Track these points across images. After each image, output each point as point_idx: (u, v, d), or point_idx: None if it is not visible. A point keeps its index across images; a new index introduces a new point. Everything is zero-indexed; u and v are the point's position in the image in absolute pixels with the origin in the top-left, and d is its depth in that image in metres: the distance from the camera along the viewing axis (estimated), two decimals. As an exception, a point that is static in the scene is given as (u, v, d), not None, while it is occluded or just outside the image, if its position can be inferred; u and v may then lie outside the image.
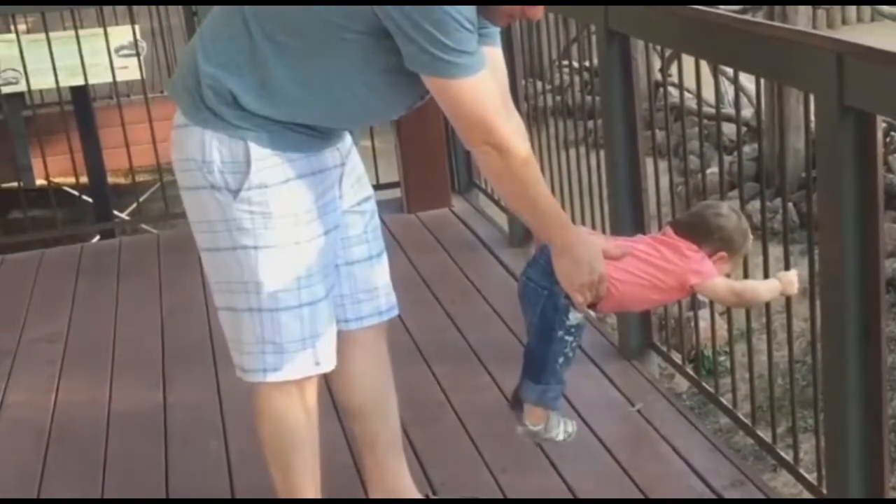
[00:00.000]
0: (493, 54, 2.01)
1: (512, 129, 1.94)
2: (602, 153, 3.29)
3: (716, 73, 2.77)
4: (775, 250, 2.90)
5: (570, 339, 2.12)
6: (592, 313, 2.15)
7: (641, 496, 2.52)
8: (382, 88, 1.97)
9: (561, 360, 2.14)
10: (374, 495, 2.41)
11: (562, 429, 2.24)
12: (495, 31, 2.04)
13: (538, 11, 1.97)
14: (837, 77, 1.98)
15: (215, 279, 2.10)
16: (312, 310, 2.06)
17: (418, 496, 2.43)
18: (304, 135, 2.01)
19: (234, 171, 1.97)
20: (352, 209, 2.19)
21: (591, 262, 2.01)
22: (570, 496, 2.54)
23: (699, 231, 2.13)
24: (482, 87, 1.90)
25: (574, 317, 2.10)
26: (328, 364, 2.12)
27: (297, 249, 2.03)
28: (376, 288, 2.25)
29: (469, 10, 1.85)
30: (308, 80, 1.94)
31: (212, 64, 1.95)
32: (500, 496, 2.54)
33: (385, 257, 2.28)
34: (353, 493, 2.56)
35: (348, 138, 2.17)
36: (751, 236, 2.18)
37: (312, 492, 2.21)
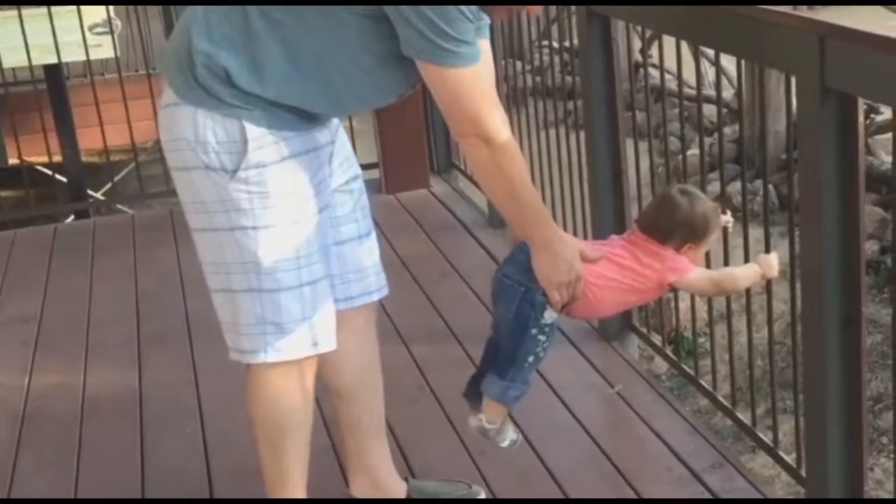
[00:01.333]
0: (483, 46, 1.99)
1: (501, 122, 1.93)
2: (582, 134, 3.28)
3: (697, 55, 2.76)
4: (755, 232, 2.89)
5: (542, 338, 2.12)
6: (564, 315, 2.14)
7: (620, 478, 2.51)
8: (375, 74, 1.95)
9: (531, 359, 2.13)
10: (352, 478, 2.39)
11: (510, 435, 2.23)
12: (486, 24, 2.02)
13: (537, 7, 1.96)
14: (819, 59, 1.97)
15: (210, 260, 2.05)
16: (313, 289, 2.04)
17: (395, 477, 2.42)
18: (295, 114, 1.98)
19: (230, 151, 1.94)
20: (340, 188, 2.17)
21: (570, 260, 2.02)
22: (548, 478, 2.53)
23: (660, 231, 2.11)
24: (477, 78, 1.88)
25: (549, 315, 2.10)
26: (329, 344, 2.09)
27: (296, 228, 2.00)
28: (366, 268, 2.24)
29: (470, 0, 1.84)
30: (300, 60, 1.91)
31: (206, 41, 1.92)
32: (479, 479, 2.53)
33: (374, 237, 2.26)
34: (332, 477, 2.54)
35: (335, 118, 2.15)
36: (714, 214, 2.14)
37: (301, 477, 2.18)
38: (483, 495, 2.46)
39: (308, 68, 1.92)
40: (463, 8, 1.82)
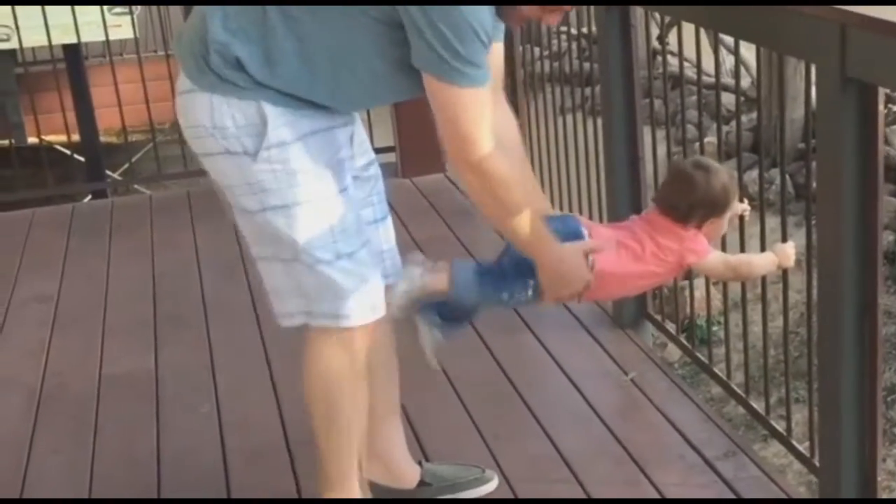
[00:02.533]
0: (495, 48, 2.00)
1: (489, 149, 1.92)
2: (599, 120, 3.27)
3: (716, 42, 2.75)
4: (770, 221, 2.88)
5: (524, 298, 2.13)
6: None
7: (633, 464, 2.52)
8: (386, 78, 1.96)
9: (505, 296, 2.15)
10: (366, 462, 2.38)
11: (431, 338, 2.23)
12: (502, 27, 2.01)
13: (557, 15, 1.94)
14: (840, 48, 1.96)
15: (251, 238, 2.08)
16: (352, 259, 2.04)
17: (409, 461, 2.43)
18: (306, 101, 1.99)
19: (249, 134, 1.94)
20: (358, 174, 2.17)
21: (572, 275, 2.05)
22: (562, 464, 2.54)
23: (679, 211, 2.11)
24: (477, 101, 1.88)
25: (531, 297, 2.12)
26: (377, 311, 2.10)
27: (326, 203, 2.01)
28: (382, 252, 2.24)
29: (488, 21, 1.84)
30: (313, 58, 1.92)
31: (222, 30, 1.92)
32: (492, 463, 2.54)
33: (390, 221, 2.27)
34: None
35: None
36: (734, 183, 2.15)
37: (352, 455, 2.19)
38: (496, 480, 2.47)
39: (320, 67, 1.93)
40: (478, 28, 1.81)
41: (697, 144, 4.83)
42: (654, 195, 2.22)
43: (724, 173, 2.14)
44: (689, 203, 2.10)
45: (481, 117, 1.90)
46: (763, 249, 2.39)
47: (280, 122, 1.95)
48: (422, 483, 2.43)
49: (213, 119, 1.95)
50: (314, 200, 2.00)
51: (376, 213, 2.22)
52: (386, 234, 2.25)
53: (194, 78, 1.97)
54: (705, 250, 2.10)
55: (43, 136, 5.16)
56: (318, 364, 2.13)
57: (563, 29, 4.46)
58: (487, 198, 1.97)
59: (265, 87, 1.94)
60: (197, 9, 2.03)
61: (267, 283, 2.11)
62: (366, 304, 2.07)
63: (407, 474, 2.42)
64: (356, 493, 2.24)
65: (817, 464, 2.34)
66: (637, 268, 2.09)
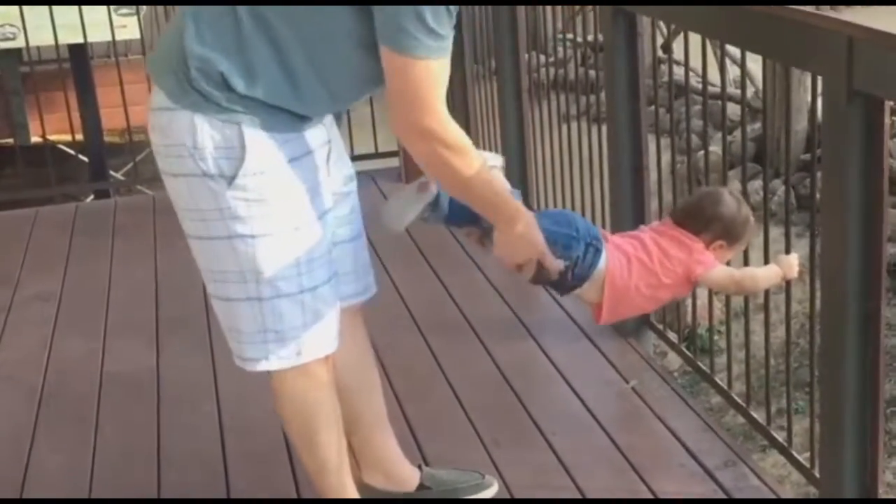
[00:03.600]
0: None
1: (447, 117, 1.87)
2: (601, 128, 3.28)
3: (722, 53, 2.75)
4: (772, 231, 2.89)
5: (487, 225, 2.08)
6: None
7: (633, 473, 2.52)
8: (366, 65, 1.90)
9: None
10: (364, 470, 2.40)
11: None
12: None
13: None
14: (847, 61, 1.96)
15: (207, 267, 2.02)
16: (314, 295, 2.02)
17: (406, 465, 2.44)
18: (293, 114, 1.95)
19: (228, 157, 1.90)
20: (337, 191, 2.14)
21: (527, 243, 2.01)
22: (563, 472, 2.54)
23: (697, 220, 2.13)
24: (441, 72, 1.84)
25: None
26: (330, 347, 2.08)
27: (296, 235, 1.98)
28: (356, 269, 2.23)
29: None
30: (291, 60, 1.88)
31: (199, 44, 1.88)
32: (492, 469, 2.54)
33: (364, 238, 2.24)
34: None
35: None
36: (752, 225, 2.17)
37: (341, 463, 2.19)
38: (496, 486, 2.47)
39: (299, 68, 1.90)
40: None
41: (701, 153, 4.85)
42: (673, 208, 2.23)
43: (750, 212, 2.16)
44: (710, 215, 2.11)
45: (441, 86, 1.85)
46: (766, 260, 2.39)
47: (260, 149, 1.91)
48: (421, 486, 2.43)
49: (194, 138, 1.90)
50: (284, 232, 1.97)
51: (353, 231, 2.20)
52: (362, 252, 2.24)
53: (175, 96, 1.91)
54: (711, 263, 2.11)
55: (47, 136, 5.16)
56: (285, 399, 2.13)
57: (570, 36, 4.47)
58: (443, 165, 1.89)
59: (249, 103, 1.90)
60: (171, 26, 2.00)
61: (223, 323, 2.07)
62: (318, 341, 2.06)
63: (406, 478, 2.42)
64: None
65: (817, 475, 2.34)
66: (649, 280, 2.09)
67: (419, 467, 2.46)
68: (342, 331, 2.15)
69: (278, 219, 1.96)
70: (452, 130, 1.88)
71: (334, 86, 1.96)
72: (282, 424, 2.20)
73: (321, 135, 2.04)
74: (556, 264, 2.04)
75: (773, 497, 2.39)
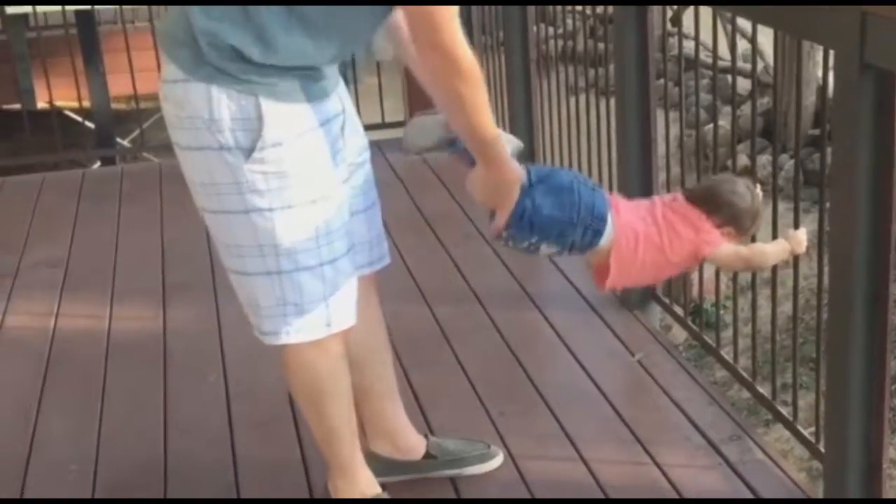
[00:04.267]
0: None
1: (463, 41, 1.84)
2: (608, 100, 3.26)
3: (733, 25, 2.74)
4: (780, 206, 2.88)
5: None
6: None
7: (638, 445, 2.53)
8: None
9: None
10: (372, 440, 2.42)
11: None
12: None
13: None
14: (860, 34, 1.95)
15: (224, 242, 2.00)
16: (333, 267, 2.02)
17: (414, 434, 2.45)
18: (309, 79, 1.94)
19: (245, 129, 1.88)
20: (353, 160, 2.14)
21: (499, 190, 1.98)
22: (567, 443, 2.55)
23: (710, 202, 2.12)
24: (454, 7, 1.82)
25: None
26: (350, 320, 2.08)
27: (315, 207, 1.97)
28: (370, 239, 2.23)
29: None
30: (306, 14, 1.86)
31: (206, 19, 1.86)
32: (497, 440, 2.55)
33: (378, 207, 2.24)
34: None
35: (341, 82, 2.11)
36: (760, 219, 2.18)
37: (349, 432, 2.20)
38: (501, 457, 2.49)
39: (311, 12, 1.85)
40: None
41: (708, 127, 4.84)
42: (685, 187, 2.23)
43: (760, 204, 2.16)
44: (724, 201, 2.11)
45: (452, 7, 1.82)
46: (775, 235, 2.39)
47: (277, 121, 1.89)
48: (427, 455, 2.44)
49: (210, 111, 1.87)
50: (303, 204, 1.95)
51: (366, 201, 2.19)
52: (376, 221, 2.23)
53: (189, 69, 1.88)
54: (718, 241, 2.10)
55: (53, 102, 5.15)
56: (296, 370, 2.13)
57: (578, 9, 4.44)
58: (449, 84, 1.85)
59: (266, 71, 1.87)
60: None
61: (241, 297, 2.06)
62: (338, 314, 2.06)
63: (413, 447, 2.44)
64: (363, 475, 2.26)
65: (822, 449, 2.35)
66: (656, 257, 2.09)
67: (425, 436, 2.47)
68: (359, 298, 2.15)
69: (296, 191, 1.94)
70: (463, 50, 1.84)
71: (350, 24, 1.92)
72: (289, 391, 2.20)
73: (335, 105, 2.03)
74: (499, 226, 2.02)
75: (803, 497, 2.38)
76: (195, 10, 1.87)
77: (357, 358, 2.25)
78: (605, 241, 2.08)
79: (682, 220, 2.10)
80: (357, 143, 2.16)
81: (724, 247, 2.11)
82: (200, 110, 1.88)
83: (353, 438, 2.22)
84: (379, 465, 2.38)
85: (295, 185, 1.93)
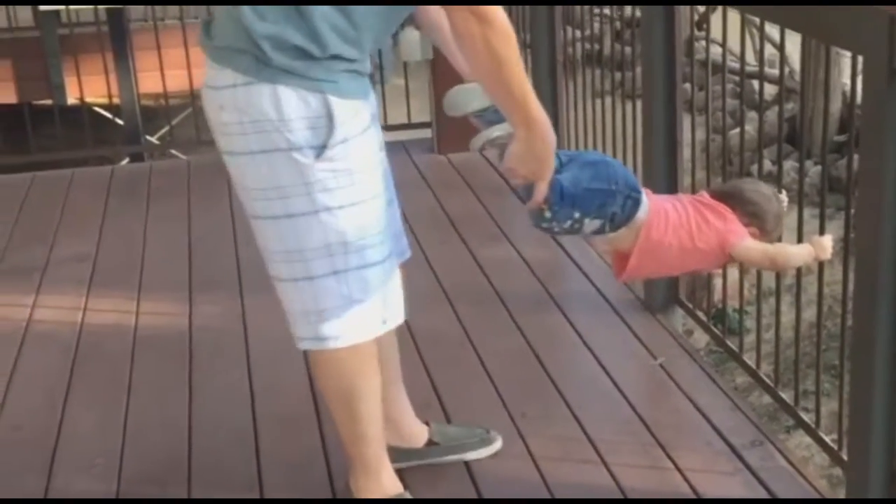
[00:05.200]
0: None
1: (500, 8, 1.85)
2: (634, 104, 3.27)
3: (762, 30, 2.73)
4: (804, 213, 2.88)
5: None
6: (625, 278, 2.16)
7: (659, 449, 2.53)
8: None
9: None
10: None
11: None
12: None
13: None
14: (889, 40, 1.94)
15: (282, 249, 1.98)
16: (392, 261, 2.05)
17: (417, 422, 2.48)
18: (359, 75, 1.95)
19: (315, 127, 1.88)
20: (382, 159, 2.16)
21: (540, 159, 1.97)
22: (588, 445, 2.56)
23: (735, 199, 2.15)
24: None
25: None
26: (401, 316, 2.10)
27: (375, 203, 1.99)
28: (394, 232, 2.24)
29: None
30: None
31: (262, 23, 1.86)
32: (519, 440, 2.56)
33: (397, 202, 2.26)
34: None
35: None
36: (782, 220, 2.19)
37: (378, 433, 2.21)
38: (499, 443, 2.51)
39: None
40: None
41: (733, 131, 4.83)
42: (710, 186, 2.25)
43: (783, 208, 2.19)
44: (748, 198, 2.15)
45: None
46: (800, 241, 2.39)
47: (344, 117, 1.90)
48: (430, 442, 2.48)
49: (279, 110, 1.86)
50: (367, 200, 1.97)
51: (388, 195, 2.20)
52: (394, 215, 2.24)
53: (252, 72, 1.87)
54: (745, 234, 2.12)
55: (84, 98, 5.20)
56: (329, 371, 2.13)
57: (606, 12, 4.44)
58: (484, 49, 1.84)
59: (331, 65, 1.88)
60: (222, 13, 1.95)
61: (297, 306, 2.03)
62: (397, 308, 2.08)
63: (415, 434, 2.48)
64: (387, 475, 2.27)
65: (844, 457, 2.35)
66: (683, 241, 2.10)
67: (427, 423, 2.50)
68: None
69: (362, 187, 1.96)
70: (498, 11, 1.84)
71: (386, 10, 1.93)
72: (319, 389, 2.21)
73: (374, 102, 2.06)
74: (538, 199, 2.02)
75: (819, 497, 2.38)
76: (251, 19, 1.86)
77: None
78: (642, 213, 2.10)
79: (710, 209, 2.13)
80: (380, 136, 2.17)
81: (750, 242, 2.12)
82: (268, 111, 1.87)
83: (381, 438, 2.24)
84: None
85: (360, 181, 1.95)
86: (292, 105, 1.87)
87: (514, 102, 1.92)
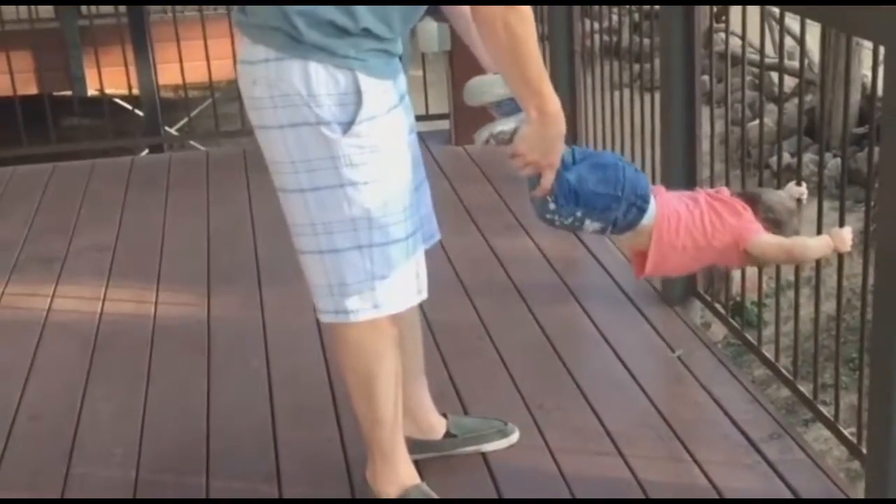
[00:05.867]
0: None
1: None
2: (650, 96, 3.26)
3: (782, 22, 2.72)
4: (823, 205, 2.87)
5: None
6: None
7: (677, 441, 2.52)
8: None
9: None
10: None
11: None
12: None
13: None
14: (911, 31, 1.93)
15: (308, 222, 2.02)
16: (415, 238, 2.07)
17: (435, 414, 2.49)
18: (389, 55, 1.98)
19: (343, 103, 1.92)
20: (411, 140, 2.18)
21: (550, 145, 1.99)
22: (606, 437, 2.55)
23: (753, 202, 2.14)
24: None
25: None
26: (425, 291, 2.12)
27: (400, 180, 2.02)
28: (420, 217, 2.25)
29: None
30: None
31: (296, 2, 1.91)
32: (536, 433, 2.56)
33: (427, 183, 2.28)
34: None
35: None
36: (795, 224, 2.19)
37: (395, 419, 2.22)
38: (517, 434, 2.52)
39: None
40: None
41: (753, 123, 4.80)
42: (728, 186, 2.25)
43: (799, 219, 2.19)
44: (763, 203, 2.15)
45: None
46: (819, 233, 2.38)
47: (373, 95, 1.94)
48: (448, 434, 2.49)
49: (309, 86, 1.91)
50: (391, 178, 2.00)
51: (416, 179, 2.21)
52: (423, 199, 2.26)
53: (285, 48, 1.91)
54: (760, 229, 2.12)
55: (104, 89, 5.23)
56: (350, 349, 2.15)
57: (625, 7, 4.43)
58: (503, 27, 1.87)
59: (362, 43, 1.91)
60: None
61: (322, 279, 2.06)
62: (412, 289, 2.09)
63: (433, 426, 2.49)
64: (404, 465, 2.28)
65: (864, 450, 2.34)
66: (697, 241, 2.10)
67: (444, 416, 2.51)
68: None
69: (386, 165, 1.99)
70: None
71: None
72: (340, 371, 2.22)
73: (405, 83, 2.08)
74: (545, 187, 2.03)
75: (838, 492, 2.36)
76: None
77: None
78: (647, 220, 2.11)
79: (725, 205, 2.12)
80: (411, 120, 2.19)
81: (766, 236, 2.12)
82: (296, 86, 1.92)
83: (397, 426, 2.24)
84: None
85: (385, 159, 1.98)
86: (322, 81, 1.91)
87: (529, 86, 1.94)
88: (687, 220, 2.11)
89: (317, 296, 2.10)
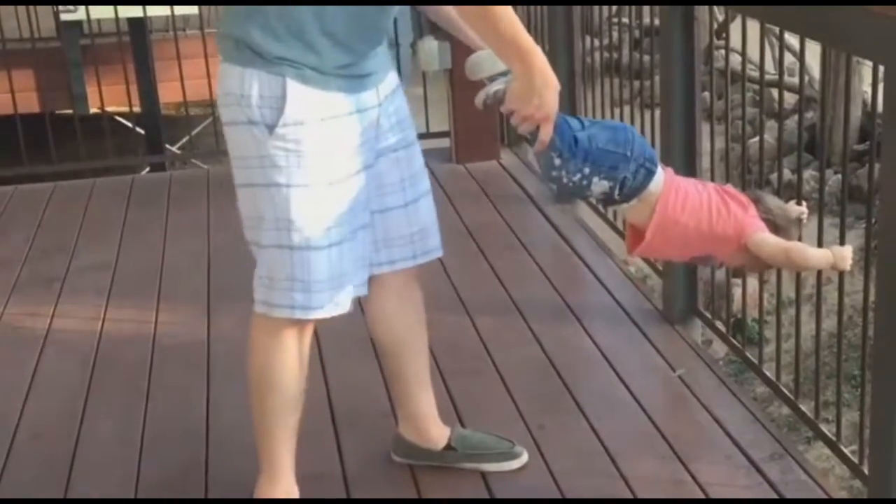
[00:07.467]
0: None
1: None
2: (650, 113, 3.25)
3: (781, 40, 2.72)
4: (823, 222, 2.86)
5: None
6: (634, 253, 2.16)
7: (678, 461, 2.51)
8: None
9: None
10: (400, 422, 2.52)
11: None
12: None
13: None
14: (910, 49, 1.93)
15: (246, 214, 2.14)
16: (340, 250, 2.10)
17: (438, 425, 2.49)
18: (343, 78, 2.04)
19: (271, 107, 2.01)
20: (387, 154, 2.20)
21: (541, 95, 1.98)
22: (606, 458, 2.54)
23: (754, 203, 2.14)
24: None
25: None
26: (346, 306, 2.16)
27: (329, 189, 2.07)
28: (411, 234, 2.28)
29: None
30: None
31: (248, 12, 2.01)
32: (536, 453, 2.55)
33: (423, 201, 2.29)
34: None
35: (389, 79, 2.18)
36: (794, 233, 2.19)
37: (281, 441, 2.26)
38: (525, 457, 2.51)
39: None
40: None
41: (753, 140, 4.81)
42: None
43: (798, 229, 2.19)
44: (764, 206, 2.15)
45: None
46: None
47: (302, 101, 2.01)
48: (448, 447, 2.49)
49: (241, 88, 2.02)
50: (318, 185, 2.05)
51: (406, 198, 2.25)
52: (415, 217, 2.27)
53: (229, 55, 2.04)
54: (763, 226, 2.11)
55: (105, 108, 5.24)
56: (258, 352, 2.22)
57: (625, 21, 4.44)
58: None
59: (302, 57, 1.98)
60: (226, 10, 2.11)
61: (259, 270, 2.16)
62: (334, 298, 2.13)
63: (434, 437, 2.50)
64: (284, 483, 2.30)
65: (865, 470, 2.32)
66: (700, 223, 2.09)
67: (453, 428, 2.52)
68: (392, 292, 2.29)
69: (313, 171, 2.05)
70: None
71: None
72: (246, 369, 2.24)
73: (370, 98, 2.11)
74: (544, 140, 2.03)
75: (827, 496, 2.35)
76: (245, 11, 2.03)
77: (389, 345, 2.40)
78: (654, 186, 2.10)
79: (733, 198, 2.12)
80: (397, 136, 2.21)
81: (768, 235, 2.10)
82: (233, 87, 2.04)
83: (287, 442, 2.27)
84: (403, 447, 2.49)
85: (312, 165, 2.04)
86: (253, 84, 2.01)
87: (504, 40, 1.97)
88: (694, 200, 2.10)
89: (255, 286, 2.18)
